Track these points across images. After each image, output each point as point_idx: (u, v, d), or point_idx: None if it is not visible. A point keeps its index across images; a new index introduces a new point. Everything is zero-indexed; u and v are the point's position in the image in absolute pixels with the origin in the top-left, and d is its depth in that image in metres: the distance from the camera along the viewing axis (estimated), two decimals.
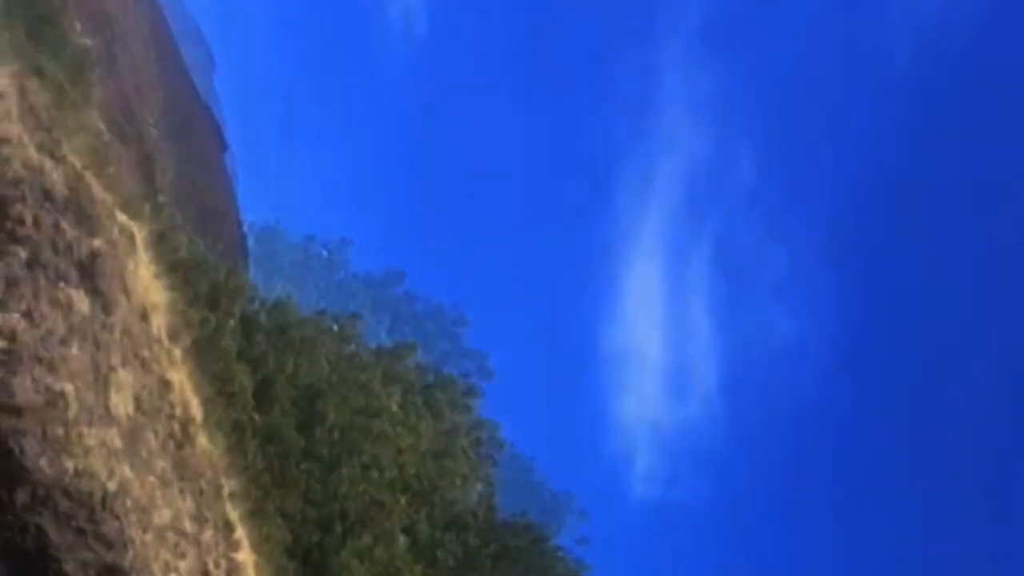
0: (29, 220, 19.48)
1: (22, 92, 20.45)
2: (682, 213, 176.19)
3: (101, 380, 20.19)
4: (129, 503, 19.59)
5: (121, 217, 22.19)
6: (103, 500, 19.26)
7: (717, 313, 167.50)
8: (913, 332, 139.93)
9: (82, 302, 19.91)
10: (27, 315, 18.90)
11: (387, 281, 41.82)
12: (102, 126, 23.80)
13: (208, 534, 22.55)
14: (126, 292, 21.09)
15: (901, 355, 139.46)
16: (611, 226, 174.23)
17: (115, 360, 20.65)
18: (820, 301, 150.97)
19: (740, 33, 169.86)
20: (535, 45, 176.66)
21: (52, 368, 18.98)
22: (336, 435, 32.98)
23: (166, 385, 22.66)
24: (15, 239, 19.41)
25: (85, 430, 19.37)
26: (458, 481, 38.21)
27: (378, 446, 34.11)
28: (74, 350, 19.60)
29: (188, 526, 21.69)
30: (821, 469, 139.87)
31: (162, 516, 20.69)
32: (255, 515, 26.44)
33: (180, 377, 23.64)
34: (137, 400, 21.29)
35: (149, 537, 20.04)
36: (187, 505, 21.83)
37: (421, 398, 40.05)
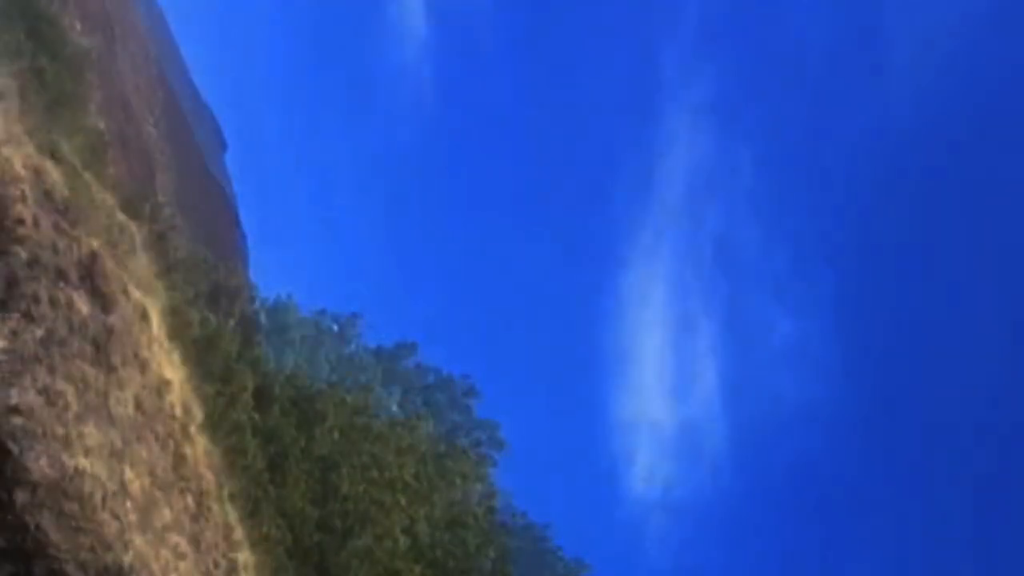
0: (29, 220, 19.52)
1: (22, 92, 20.50)
2: (682, 212, 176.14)
3: (101, 380, 20.22)
4: (129, 503, 19.60)
5: (121, 217, 22.23)
6: (103, 500, 19.27)
7: (717, 313, 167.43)
8: (916, 332, 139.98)
9: (82, 303, 19.94)
10: (27, 315, 18.93)
11: (398, 354, 42.11)
12: (102, 126, 23.87)
13: (208, 534, 22.57)
14: (125, 292, 21.10)
15: (904, 355, 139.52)
16: (610, 231, 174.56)
17: (115, 360, 20.67)
18: (821, 301, 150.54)
19: (740, 34, 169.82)
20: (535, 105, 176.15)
21: (52, 369, 19.01)
22: (335, 435, 33.04)
23: (166, 385, 22.68)
24: (15, 239, 19.44)
25: (85, 430, 19.39)
26: (458, 481, 38.25)
27: (377, 446, 34.18)
28: (74, 350, 19.63)
29: (188, 526, 21.71)
30: (822, 469, 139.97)
31: (162, 516, 20.71)
32: (255, 515, 26.49)
33: (180, 377, 23.69)
34: (137, 400, 21.31)
35: (149, 537, 20.06)
36: (187, 505, 21.85)
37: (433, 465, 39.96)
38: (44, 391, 18.72)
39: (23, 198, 19.37)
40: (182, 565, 20.93)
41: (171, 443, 22.49)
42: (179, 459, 22.62)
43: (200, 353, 26.03)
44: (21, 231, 19.41)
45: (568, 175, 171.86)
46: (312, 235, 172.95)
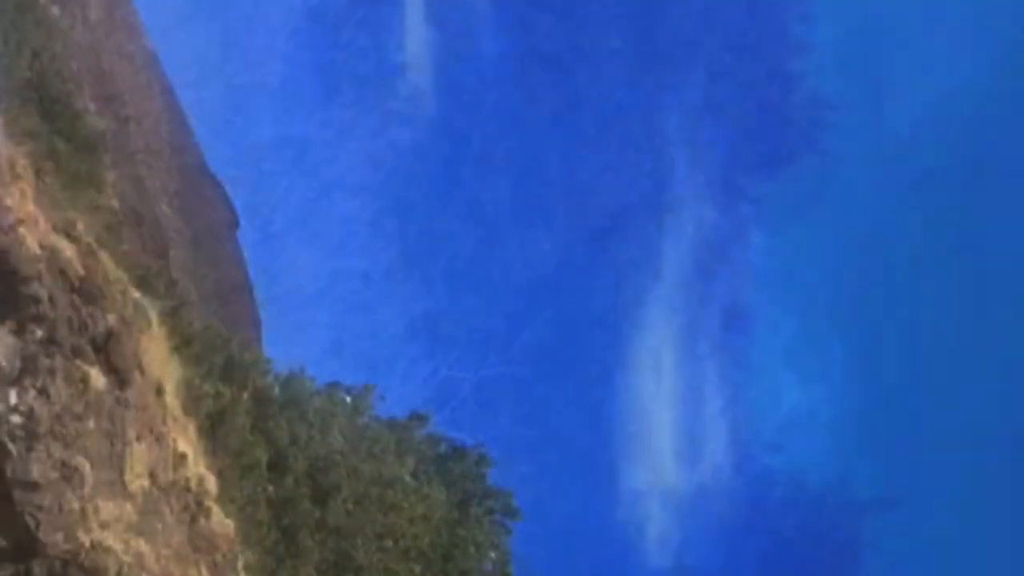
0: (45, 298, 19.93)
1: (37, 173, 20.98)
2: (691, 280, 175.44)
3: (116, 455, 20.53)
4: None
5: (135, 294, 22.64)
6: (119, 574, 19.52)
7: (728, 379, 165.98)
8: (929, 398, 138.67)
9: (97, 379, 20.30)
10: (43, 392, 19.28)
11: (410, 425, 41.97)
12: (116, 205, 24.40)
13: None
14: (141, 368, 21.46)
15: (915, 421, 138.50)
16: (618, 292, 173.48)
17: (130, 435, 21.00)
18: (830, 367, 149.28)
19: (745, 107, 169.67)
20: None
21: (68, 444, 19.33)
22: (349, 505, 33.22)
23: (181, 459, 22.98)
24: (31, 317, 19.84)
25: (101, 504, 19.67)
26: (472, 550, 38.34)
27: (391, 516, 34.31)
28: (90, 426, 19.95)
29: None
30: (834, 534, 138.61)
31: None
32: None
33: (195, 451, 23.98)
34: (152, 474, 21.62)
35: None
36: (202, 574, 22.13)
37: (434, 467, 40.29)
38: (60, 466, 19.04)
39: (39, 277, 19.80)
40: None
41: (186, 516, 22.78)
42: (194, 532, 22.89)
43: (214, 426, 26.35)
44: (37, 309, 19.82)
45: (576, 238, 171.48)
46: (312, 234, 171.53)
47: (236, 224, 69.81)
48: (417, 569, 34.63)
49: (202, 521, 23.22)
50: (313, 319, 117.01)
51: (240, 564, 24.39)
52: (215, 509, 23.81)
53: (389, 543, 33.85)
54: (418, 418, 44.18)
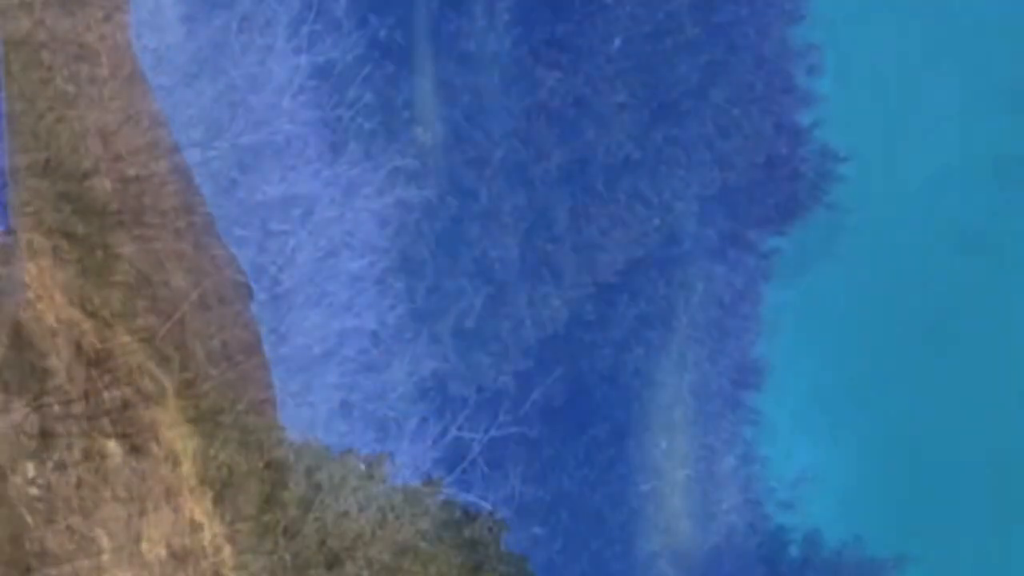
0: (62, 372, 20.11)
1: (55, 250, 21.23)
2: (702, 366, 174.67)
3: (133, 526, 20.68)
4: None
5: (150, 366, 22.78)
6: None
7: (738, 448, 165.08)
8: (945, 455, 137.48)
9: (114, 451, 20.47)
10: (60, 465, 19.43)
11: (423, 492, 42.03)
12: (131, 280, 24.63)
13: None
14: (157, 440, 21.61)
15: (930, 478, 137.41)
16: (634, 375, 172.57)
17: (147, 506, 21.13)
18: (841, 433, 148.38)
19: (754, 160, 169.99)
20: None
21: (85, 515, 19.46)
22: (364, 573, 33.16)
23: (197, 529, 23.06)
24: (48, 391, 20.03)
25: (118, 574, 19.78)
26: None
27: None
28: (106, 497, 20.08)
29: None
30: None
31: None
32: None
33: (210, 519, 24.04)
34: (169, 544, 21.71)
35: None
36: None
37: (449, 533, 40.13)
38: (78, 538, 19.16)
39: (56, 351, 19.99)
40: None
41: None
42: None
43: (230, 495, 26.37)
44: (54, 383, 20.00)
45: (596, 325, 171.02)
46: (320, 294, 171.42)
47: (251, 296, 69.72)
48: None
49: None
50: (321, 380, 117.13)
51: None
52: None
53: None
54: (431, 484, 44.05)
